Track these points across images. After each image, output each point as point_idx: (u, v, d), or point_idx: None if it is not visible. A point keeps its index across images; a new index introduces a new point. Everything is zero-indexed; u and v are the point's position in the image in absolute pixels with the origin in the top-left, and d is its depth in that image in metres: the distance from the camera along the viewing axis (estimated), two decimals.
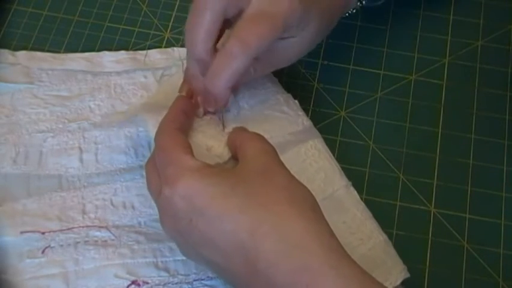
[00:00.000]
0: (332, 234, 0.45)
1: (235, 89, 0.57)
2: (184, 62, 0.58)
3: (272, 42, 0.52)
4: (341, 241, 0.45)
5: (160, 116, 0.54)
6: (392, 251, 0.55)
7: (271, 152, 0.50)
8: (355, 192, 0.58)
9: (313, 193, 0.47)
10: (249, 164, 0.49)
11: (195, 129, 0.55)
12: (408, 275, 0.54)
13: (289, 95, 0.61)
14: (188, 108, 0.55)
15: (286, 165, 0.49)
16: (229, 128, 0.57)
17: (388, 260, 0.54)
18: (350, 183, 0.58)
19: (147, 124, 0.56)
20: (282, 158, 0.50)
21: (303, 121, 0.60)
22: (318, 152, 0.58)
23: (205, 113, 0.56)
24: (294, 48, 0.56)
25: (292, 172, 0.48)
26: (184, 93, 0.56)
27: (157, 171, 0.50)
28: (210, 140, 0.55)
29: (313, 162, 0.58)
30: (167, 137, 0.51)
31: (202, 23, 0.52)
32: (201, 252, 0.47)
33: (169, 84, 0.62)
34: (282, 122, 0.59)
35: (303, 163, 0.57)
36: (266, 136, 0.53)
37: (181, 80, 0.58)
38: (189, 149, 0.49)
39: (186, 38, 0.54)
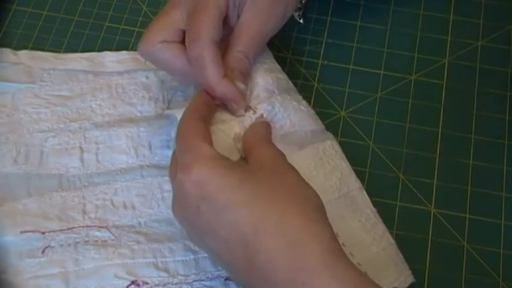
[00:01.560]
0: (333, 236, 0.45)
1: (240, 77, 0.57)
2: None
3: (218, 21, 0.55)
4: (356, 239, 0.46)
5: None
6: (401, 255, 0.55)
7: (281, 156, 0.51)
8: (367, 196, 0.57)
9: (330, 190, 0.48)
10: (259, 162, 0.50)
11: (227, 119, 0.56)
12: (414, 280, 0.54)
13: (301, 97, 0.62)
14: (210, 100, 0.55)
15: (305, 160, 0.50)
16: (260, 110, 0.57)
17: (399, 261, 0.55)
18: (363, 187, 0.58)
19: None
20: (300, 153, 0.52)
21: (320, 122, 0.61)
22: (335, 152, 0.58)
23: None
24: (255, 18, 0.57)
25: (310, 167, 0.50)
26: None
27: (177, 158, 0.51)
28: (239, 125, 0.56)
29: (330, 160, 0.58)
30: (188, 126, 0.52)
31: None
32: (206, 241, 0.48)
33: None
34: (305, 116, 0.60)
35: (321, 160, 0.57)
36: (291, 129, 0.56)
37: None
38: (208, 139, 0.50)
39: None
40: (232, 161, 0.49)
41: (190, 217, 0.48)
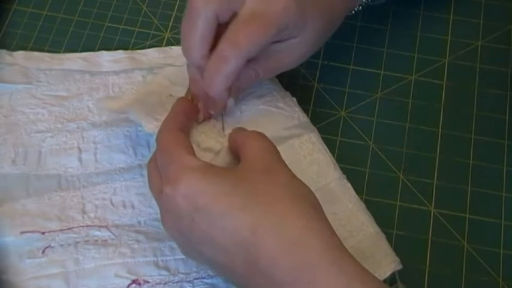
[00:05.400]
0: (333, 232, 0.45)
1: (236, 93, 0.57)
2: (183, 60, 0.58)
3: (265, 43, 0.52)
4: None
5: (152, 113, 0.55)
6: (383, 244, 0.55)
7: (273, 151, 0.50)
8: (349, 185, 0.57)
9: None
10: (250, 162, 0.49)
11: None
12: (400, 267, 0.53)
13: (287, 93, 0.61)
14: (189, 110, 0.55)
15: None
16: (224, 124, 0.57)
17: (377, 252, 0.54)
18: (344, 176, 0.58)
19: (140, 121, 0.56)
20: None
21: (299, 117, 0.60)
22: (313, 145, 0.58)
23: (205, 118, 0.57)
24: (295, 50, 0.56)
25: None
26: (189, 97, 0.57)
27: (158, 171, 0.50)
28: (201, 135, 0.56)
29: (306, 154, 0.58)
30: (169, 137, 0.51)
31: (196, 30, 0.53)
32: (202, 251, 0.47)
33: (158, 80, 0.62)
34: (276, 117, 0.59)
35: (296, 155, 0.57)
36: (260, 131, 0.54)
37: (170, 76, 0.60)
38: (190, 149, 0.50)
39: (182, 46, 0.54)
40: (220, 167, 0.49)
41: (184, 230, 0.48)
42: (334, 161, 0.58)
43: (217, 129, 0.57)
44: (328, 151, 0.59)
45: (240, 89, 0.57)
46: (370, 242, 0.55)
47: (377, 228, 0.55)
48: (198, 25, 0.52)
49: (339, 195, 0.56)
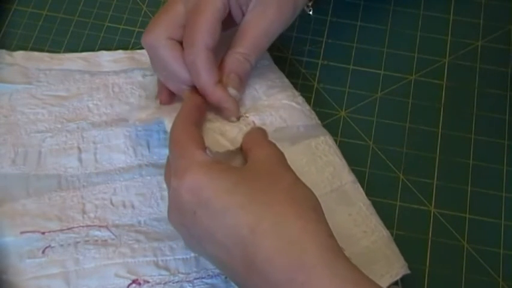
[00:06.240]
0: (330, 234, 0.45)
1: (237, 84, 0.57)
2: None
3: (214, 23, 0.55)
4: (345, 232, 0.45)
5: (174, 113, 0.55)
6: (394, 247, 0.55)
7: (279, 156, 0.50)
8: (362, 189, 0.58)
9: (322, 184, 0.48)
10: (255, 164, 0.50)
11: (212, 118, 0.56)
12: (409, 272, 0.54)
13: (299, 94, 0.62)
14: (201, 103, 0.55)
15: (297, 156, 0.50)
16: (249, 115, 0.57)
17: (390, 254, 0.54)
18: (357, 180, 0.58)
19: (164, 123, 0.56)
20: (292, 148, 0.52)
21: (315, 118, 0.61)
22: (329, 147, 0.59)
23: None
24: (261, 12, 0.57)
25: (302, 162, 0.50)
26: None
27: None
28: (225, 125, 0.56)
29: (323, 155, 0.58)
30: (181, 131, 0.51)
31: (170, 62, 0.57)
32: (204, 246, 0.48)
33: None
34: (297, 112, 0.60)
35: (313, 155, 0.58)
36: (282, 124, 0.56)
37: None
38: (201, 144, 0.50)
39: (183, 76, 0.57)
40: (227, 165, 0.49)
41: (187, 223, 0.48)
42: (347, 165, 0.59)
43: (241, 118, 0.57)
44: (342, 155, 0.59)
45: (240, 80, 0.57)
46: (383, 243, 0.55)
47: (388, 233, 0.56)
48: (165, 55, 0.56)
49: (353, 198, 0.57)
